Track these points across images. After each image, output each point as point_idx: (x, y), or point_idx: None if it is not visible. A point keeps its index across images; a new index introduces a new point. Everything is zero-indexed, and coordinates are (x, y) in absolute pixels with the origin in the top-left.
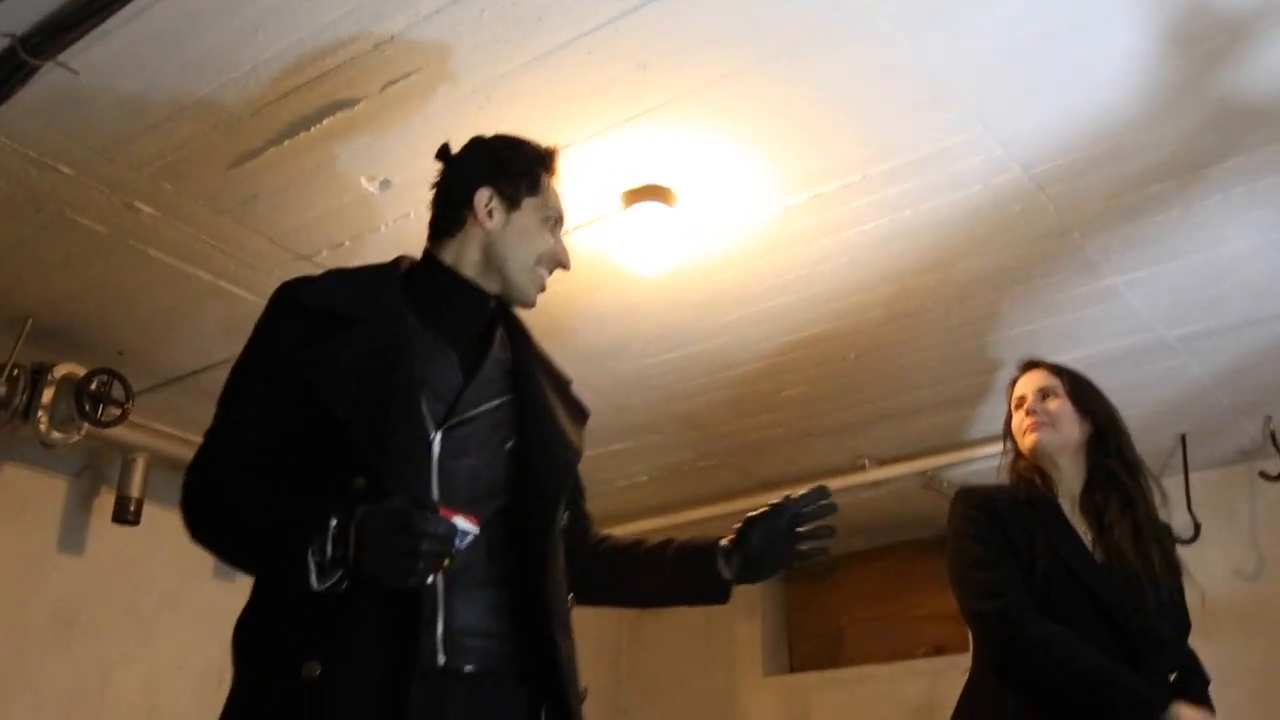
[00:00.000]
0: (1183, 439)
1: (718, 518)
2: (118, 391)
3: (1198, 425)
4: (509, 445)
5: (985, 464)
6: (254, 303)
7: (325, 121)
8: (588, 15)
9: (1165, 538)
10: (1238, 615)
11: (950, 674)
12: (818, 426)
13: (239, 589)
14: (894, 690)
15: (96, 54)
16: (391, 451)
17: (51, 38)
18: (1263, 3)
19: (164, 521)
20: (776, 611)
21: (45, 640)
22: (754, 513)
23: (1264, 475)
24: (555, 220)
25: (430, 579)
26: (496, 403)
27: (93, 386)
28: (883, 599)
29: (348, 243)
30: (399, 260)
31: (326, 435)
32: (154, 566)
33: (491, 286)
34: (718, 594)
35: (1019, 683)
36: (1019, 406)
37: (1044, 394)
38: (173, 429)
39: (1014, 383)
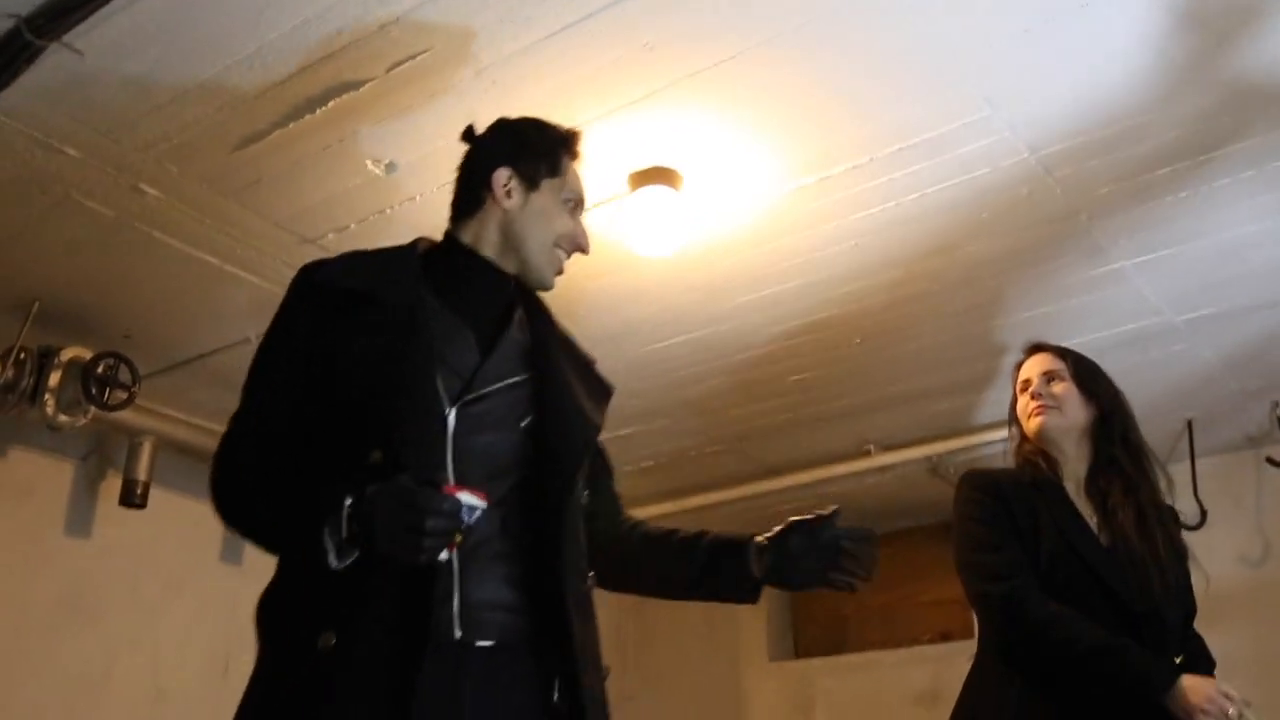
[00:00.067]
0: (1189, 424)
1: (724, 503)
2: (124, 375)
3: (1205, 410)
4: (526, 423)
5: (992, 449)
6: (260, 286)
7: (331, 103)
8: None
9: (1170, 521)
10: (1243, 601)
11: (955, 660)
12: (824, 412)
13: (245, 572)
14: (899, 676)
15: (102, 35)
16: (407, 427)
17: (56, 18)
18: None
19: (171, 505)
20: (781, 597)
21: (51, 623)
22: (799, 517)
23: (1271, 461)
24: (575, 203)
25: (444, 556)
26: (513, 380)
27: (99, 370)
28: (888, 585)
29: (353, 226)
30: (417, 241)
31: (344, 411)
32: (161, 550)
33: (510, 267)
34: (746, 593)
35: (1025, 664)
36: (1024, 390)
37: (1049, 377)
38: (179, 413)
39: (1019, 366)
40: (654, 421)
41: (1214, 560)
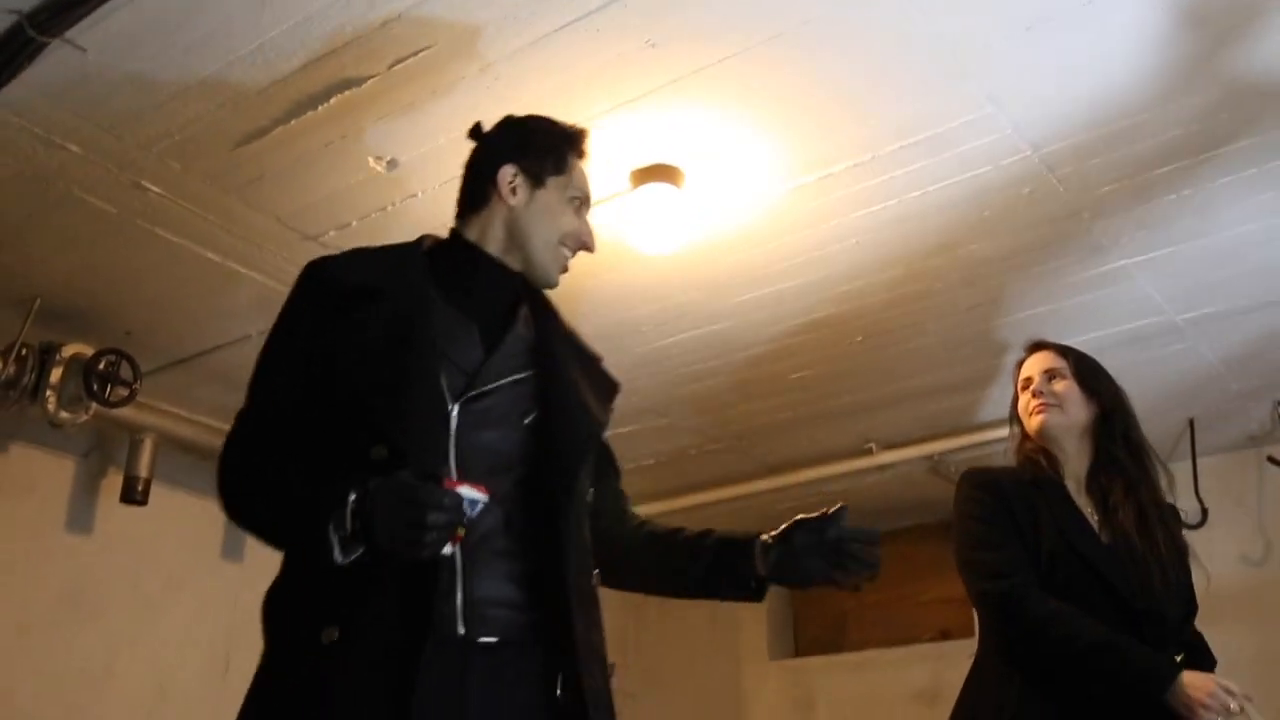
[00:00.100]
0: (1191, 423)
1: (724, 501)
2: (126, 372)
3: (1206, 410)
4: (529, 419)
5: (993, 448)
6: (262, 283)
7: (333, 100)
8: None
9: (1172, 519)
10: (1245, 601)
11: (955, 659)
12: (825, 410)
13: (246, 569)
14: (899, 675)
15: (104, 31)
16: (409, 423)
17: (59, 14)
18: None
19: (172, 502)
20: (782, 595)
21: (52, 620)
22: (805, 515)
23: (1272, 460)
24: (581, 201)
25: (448, 550)
26: (517, 377)
27: (101, 366)
28: (888, 584)
29: (355, 223)
30: (422, 238)
31: (348, 407)
32: (161, 547)
33: (515, 264)
34: (752, 591)
35: (1025, 662)
36: (1025, 388)
37: (1050, 375)
38: (180, 410)
39: (1020, 364)
40: (654, 419)
41: (1215, 559)
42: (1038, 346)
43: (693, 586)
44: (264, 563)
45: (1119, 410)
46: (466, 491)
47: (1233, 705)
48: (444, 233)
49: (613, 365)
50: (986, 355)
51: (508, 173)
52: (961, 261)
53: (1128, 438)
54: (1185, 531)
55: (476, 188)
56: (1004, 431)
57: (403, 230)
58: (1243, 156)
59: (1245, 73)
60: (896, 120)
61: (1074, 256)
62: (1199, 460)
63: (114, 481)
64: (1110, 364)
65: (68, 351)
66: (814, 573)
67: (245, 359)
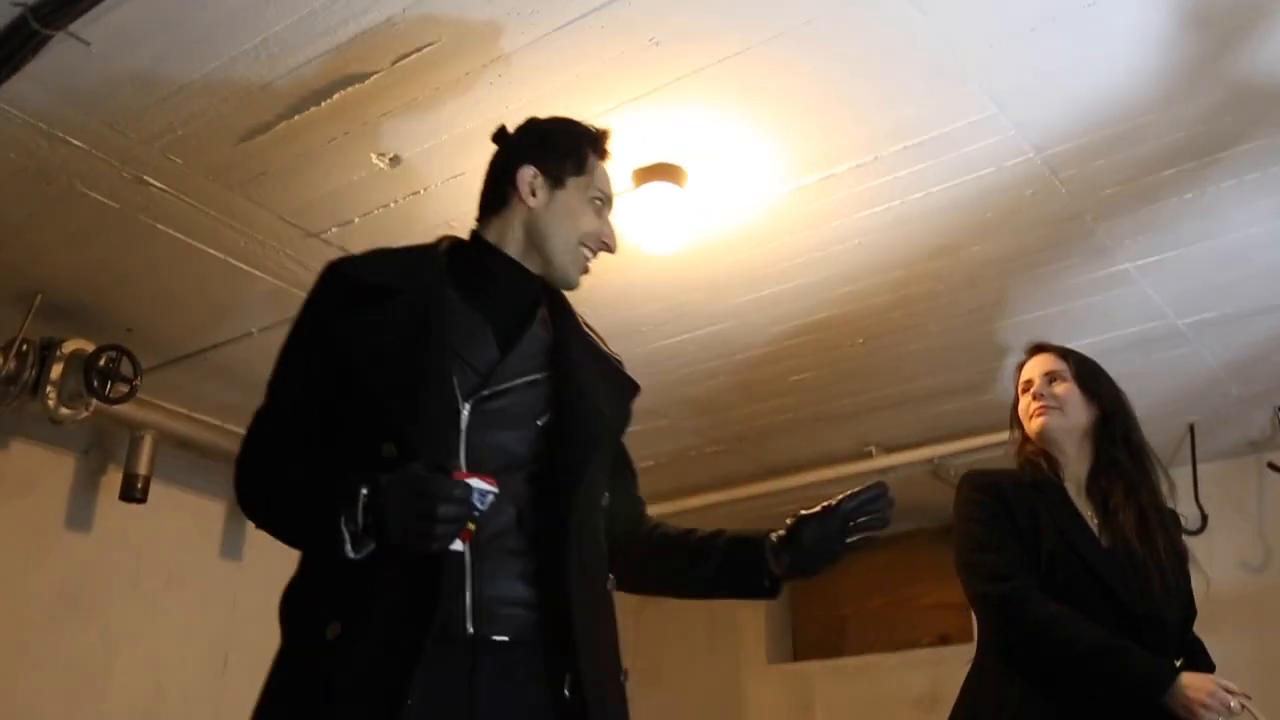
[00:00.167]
0: (1191, 428)
1: (724, 504)
2: (126, 368)
3: (1207, 415)
4: (542, 420)
5: (994, 452)
6: (264, 280)
7: (336, 96)
8: None
9: (1172, 524)
10: (1245, 607)
11: (954, 664)
12: (825, 412)
13: (245, 568)
14: (898, 680)
15: (108, 24)
16: (420, 419)
17: (62, 7)
18: None
19: (171, 500)
20: (781, 599)
21: (51, 617)
22: (807, 511)
23: (1272, 466)
24: (603, 201)
25: (459, 547)
26: (532, 378)
27: (101, 363)
28: (887, 588)
29: (357, 219)
30: (441, 239)
31: (361, 405)
32: (161, 544)
33: (534, 266)
34: (767, 589)
35: (1025, 665)
36: (1026, 390)
37: (1051, 378)
38: (181, 407)
39: (1021, 366)
40: (654, 421)
41: (1215, 565)
42: (1038, 349)
43: (704, 587)
44: (263, 562)
45: (1120, 412)
46: (476, 483)
47: (1233, 704)
48: (447, 229)
49: None
50: (988, 358)
51: (527, 174)
52: (963, 263)
53: (1128, 440)
54: (1185, 537)
55: (497, 189)
56: (1005, 435)
57: (406, 227)
58: (1246, 160)
59: (1250, 75)
60: (899, 121)
61: (1076, 259)
62: (1199, 466)
63: (114, 479)
64: (1111, 368)
65: (68, 347)
66: (825, 559)
67: (247, 356)
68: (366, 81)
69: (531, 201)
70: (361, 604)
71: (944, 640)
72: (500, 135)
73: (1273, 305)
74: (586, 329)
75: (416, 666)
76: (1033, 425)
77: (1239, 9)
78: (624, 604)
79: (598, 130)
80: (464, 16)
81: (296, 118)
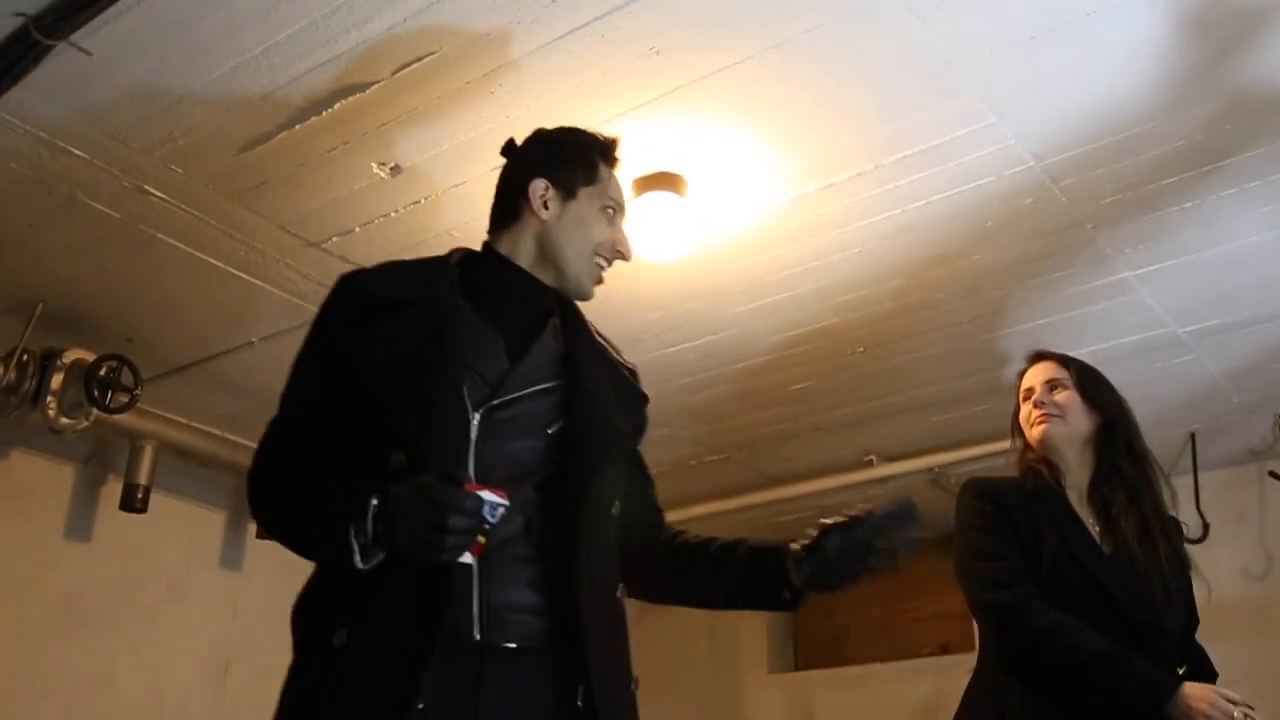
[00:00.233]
0: (1192, 437)
1: (724, 513)
2: (127, 378)
3: (1208, 423)
4: (553, 429)
5: (993, 461)
6: (264, 290)
7: (337, 106)
8: None
9: (1174, 531)
10: (1246, 615)
11: (955, 673)
12: (826, 421)
13: (245, 578)
14: (898, 689)
15: (109, 34)
16: (430, 429)
17: (64, 17)
18: None
19: (171, 510)
20: None
21: (51, 627)
22: (829, 520)
23: (1274, 475)
24: (615, 210)
25: (468, 559)
26: (542, 387)
27: (102, 372)
28: (888, 598)
29: (358, 229)
30: (453, 251)
31: (371, 415)
32: (161, 554)
33: (548, 279)
34: (788, 601)
35: (1026, 673)
36: (1027, 398)
37: (1052, 385)
38: (181, 417)
39: (1022, 374)
40: (654, 430)
41: (1216, 574)
42: (1039, 357)
43: (725, 596)
44: (263, 572)
45: (1121, 420)
46: (487, 495)
47: (1235, 714)
48: (447, 238)
49: None
50: (988, 367)
51: (538, 186)
52: (964, 272)
53: (1130, 447)
54: (1186, 545)
55: (508, 203)
56: (1006, 445)
57: (407, 236)
58: (1246, 168)
59: (1249, 84)
60: (899, 130)
61: (1076, 268)
62: (1200, 475)
63: (113, 489)
64: (1112, 376)
65: (69, 357)
66: (850, 575)
67: (248, 365)
68: (367, 91)
69: (544, 214)
70: (370, 612)
71: (945, 650)
72: (509, 148)
73: (1273, 314)
74: (600, 338)
75: (424, 673)
76: (1034, 433)
77: (1238, 17)
78: (626, 611)
79: (607, 138)
80: (465, 26)
81: (297, 127)
